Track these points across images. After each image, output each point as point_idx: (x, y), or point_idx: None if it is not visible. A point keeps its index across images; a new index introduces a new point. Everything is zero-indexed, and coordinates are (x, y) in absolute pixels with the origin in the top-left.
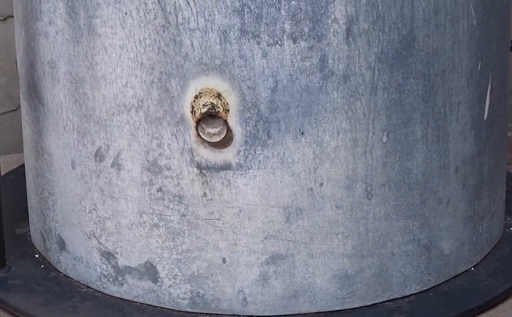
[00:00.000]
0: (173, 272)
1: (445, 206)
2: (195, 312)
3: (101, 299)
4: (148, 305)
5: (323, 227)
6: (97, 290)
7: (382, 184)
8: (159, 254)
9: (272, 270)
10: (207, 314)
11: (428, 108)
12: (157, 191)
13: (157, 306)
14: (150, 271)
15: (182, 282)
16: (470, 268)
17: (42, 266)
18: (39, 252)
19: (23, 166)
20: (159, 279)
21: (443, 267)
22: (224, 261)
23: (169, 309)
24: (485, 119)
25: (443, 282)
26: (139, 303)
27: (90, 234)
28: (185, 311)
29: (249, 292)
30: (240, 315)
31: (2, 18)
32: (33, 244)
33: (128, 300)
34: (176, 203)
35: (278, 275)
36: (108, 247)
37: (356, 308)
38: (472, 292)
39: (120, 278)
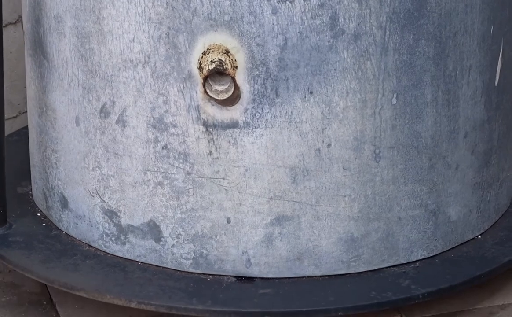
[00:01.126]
0: (176, 231)
1: (453, 171)
2: (197, 273)
3: (103, 258)
4: (150, 264)
5: (330, 188)
6: (99, 249)
7: (390, 146)
8: (163, 213)
9: (277, 231)
10: (210, 274)
11: (439, 71)
12: (162, 148)
13: (160, 266)
14: (153, 230)
15: (185, 242)
16: (477, 236)
17: (44, 225)
18: (41, 211)
19: (26, 128)
20: (162, 239)
21: (450, 233)
22: (228, 221)
23: (171, 269)
24: (496, 85)
25: (449, 249)
26: (141, 262)
27: (93, 192)
28: (187, 272)
29: (253, 253)
30: (243, 277)
31: None
32: (34, 203)
33: (130, 259)
34: (181, 161)
35: (283, 237)
36: (111, 205)
37: (361, 272)
38: (479, 259)
39: (122, 237)
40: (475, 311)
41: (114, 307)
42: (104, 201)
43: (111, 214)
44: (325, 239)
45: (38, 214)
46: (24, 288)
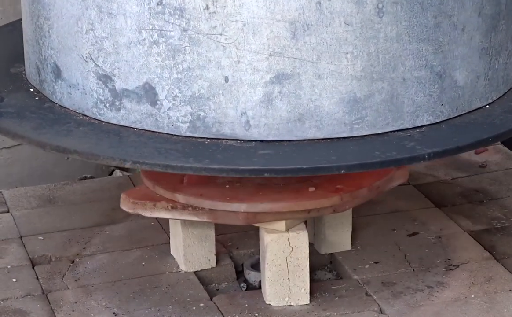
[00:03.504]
0: (172, 93)
1: (460, 32)
2: (195, 137)
3: (97, 125)
4: (146, 130)
5: (331, 44)
6: (93, 118)
7: (394, 1)
8: (159, 74)
9: (277, 90)
10: (208, 138)
11: None
12: (157, 4)
13: (156, 131)
14: (148, 93)
15: (182, 104)
16: (485, 106)
17: (37, 98)
18: (34, 87)
19: (21, 20)
20: (158, 102)
21: (457, 99)
22: (226, 80)
23: (168, 134)
24: None
25: (456, 116)
26: (136, 128)
27: (86, 57)
28: (184, 136)
29: (253, 114)
30: (242, 140)
31: None
32: (28, 81)
33: (125, 126)
34: (176, 17)
35: (283, 96)
36: (105, 69)
37: (365, 135)
38: (487, 125)
39: (117, 103)
40: None
41: None
42: (98, 65)
43: (105, 79)
44: (326, 99)
45: (31, 90)
46: (31, 314)
